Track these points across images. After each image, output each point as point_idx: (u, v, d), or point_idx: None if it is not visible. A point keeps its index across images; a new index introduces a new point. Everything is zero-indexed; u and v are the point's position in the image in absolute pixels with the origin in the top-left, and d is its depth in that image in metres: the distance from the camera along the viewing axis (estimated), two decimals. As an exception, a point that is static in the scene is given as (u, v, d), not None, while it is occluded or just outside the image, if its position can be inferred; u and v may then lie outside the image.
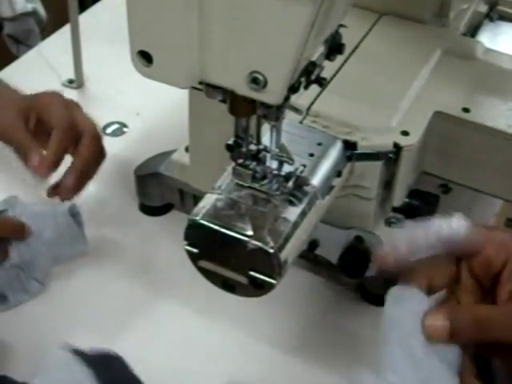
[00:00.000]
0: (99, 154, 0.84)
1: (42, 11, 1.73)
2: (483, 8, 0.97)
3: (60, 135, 0.79)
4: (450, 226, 0.53)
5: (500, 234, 0.56)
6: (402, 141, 0.72)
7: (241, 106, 0.58)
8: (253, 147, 0.63)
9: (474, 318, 0.53)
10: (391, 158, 0.72)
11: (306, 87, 0.59)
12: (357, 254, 0.76)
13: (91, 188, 0.93)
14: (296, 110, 0.61)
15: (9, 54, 1.66)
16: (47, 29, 1.67)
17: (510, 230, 0.59)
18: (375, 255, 0.57)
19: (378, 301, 0.81)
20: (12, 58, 1.21)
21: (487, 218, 0.91)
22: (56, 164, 0.79)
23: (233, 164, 0.64)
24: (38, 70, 1.12)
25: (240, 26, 0.52)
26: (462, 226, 0.53)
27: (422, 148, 0.75)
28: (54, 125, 0.80)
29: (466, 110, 0.76)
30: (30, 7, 1.69)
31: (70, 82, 1.10)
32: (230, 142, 0.63)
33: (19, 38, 1.71)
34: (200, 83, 0.58)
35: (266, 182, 0.63)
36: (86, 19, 1.14)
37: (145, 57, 0.56)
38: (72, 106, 0.83)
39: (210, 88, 0.58)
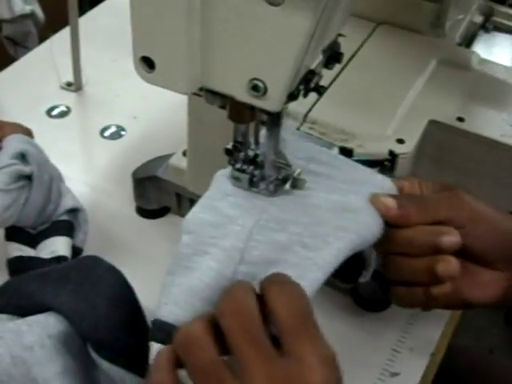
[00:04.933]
0: None
1: (39, 13, 1.74)
2: (478, 19, 0.98)
3: None
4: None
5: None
6: (398, 148, 0.73)
7: (240, 113, 0.59)
8: (251, 152, 0.64)
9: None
10: (386, 165, 0.73)
11: (305, 95, 0.59)
12: (351, 260, 0.77)
13: (88, 190, 0.95)
14: (294, 116, 0.63)
15: (7, 56, 1.67)
16: (44, 31, 1.68)
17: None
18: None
19: (371, 306, 0.82)
20: (10, 59, 1.22)
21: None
22: None
23: (230, 168, 0.65)
24: (37, 73, 1.13)
25: (242, 34, 0.52)
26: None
27: (416, 156, 0.77)
28: None
29: (460, 119, 0.77)
30: (28, 9, 1.70)
31: (69, 84, 1.11)
32: (229, 146, 0.64)
33: (17, 39, 1.72)
34: (200, 89, 0.59)
35: (263, 185, 0.64)
36: (85, 23, 1.15)
37: (147, 63, 0.56)
38: None
39: (210, 94, 0.59)
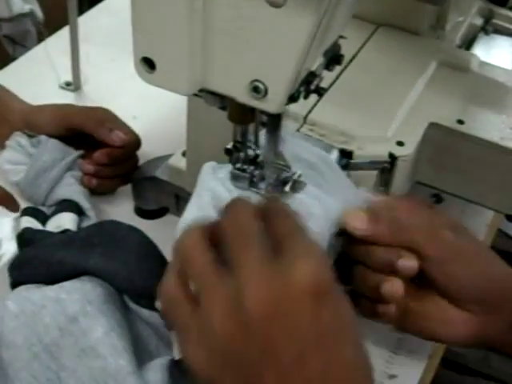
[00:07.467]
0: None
1: (38, 12, 1.73)
2: (478, 21, 0.99)
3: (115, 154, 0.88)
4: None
5: None
6: (398, 151, 0.73)
7: (240, 114, 0.59)
8: (251, 152, 0.64)
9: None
10: (386, 167, 0.73)
11: (306, 97, 0.59)
12: (350, 261, 0.77)
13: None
14: (294, 118, 0.63)
15: (5, 55, 1.67)
16: (43, 30, 1.68)
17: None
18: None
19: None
20: (8, 58, 1.21)
21: (478, 229, 0.92)
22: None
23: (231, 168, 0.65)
24: (36, 72, 1.13)
25: (243, 35, 0.52)
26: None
27: (416, 158, 0.76)
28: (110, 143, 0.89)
29: (460, 121, 0.77)
30: (27, 8, 1.69)
31: (68, 84, 1.10)
32: (229, 146, 0.64)
33: (16, 38, 1.71)
34: (200, 90, 0.59)
35: (263, 186, 0.64)
36: (84, 22, 1.14)
37: (148, 63, 0.56)
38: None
39: (210, 95, 0.59)
